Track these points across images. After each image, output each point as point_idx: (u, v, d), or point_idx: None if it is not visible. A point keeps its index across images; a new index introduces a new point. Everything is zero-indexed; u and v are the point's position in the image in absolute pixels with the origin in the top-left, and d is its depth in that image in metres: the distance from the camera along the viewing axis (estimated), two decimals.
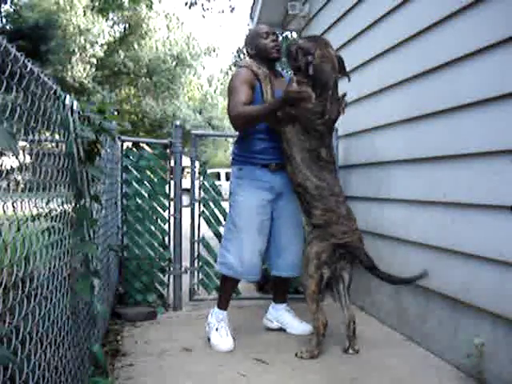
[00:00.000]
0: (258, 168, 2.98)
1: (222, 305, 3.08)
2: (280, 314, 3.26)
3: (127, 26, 25.83)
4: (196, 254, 3.93)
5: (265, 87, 2.90)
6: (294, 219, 3.11)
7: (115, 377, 2.48)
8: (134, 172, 3.84)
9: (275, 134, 2.90)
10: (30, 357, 1.44)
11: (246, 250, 2.95)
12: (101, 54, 24.12)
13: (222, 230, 3.91)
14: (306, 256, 2.78)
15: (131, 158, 3.84)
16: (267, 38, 3.04)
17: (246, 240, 2.95)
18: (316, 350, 2.75)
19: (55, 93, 1.82)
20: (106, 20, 25.27)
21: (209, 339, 2.99)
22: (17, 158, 1.43)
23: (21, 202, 1.43)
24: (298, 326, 3.20)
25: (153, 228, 3.85)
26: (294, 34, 9.65)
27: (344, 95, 2.83)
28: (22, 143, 1.51)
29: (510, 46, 2.28)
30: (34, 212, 1.59)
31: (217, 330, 2.98)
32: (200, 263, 3.92)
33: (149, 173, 3.85)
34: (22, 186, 1.52)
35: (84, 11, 22.95)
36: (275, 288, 3.34)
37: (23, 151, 1.53)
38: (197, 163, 3.92)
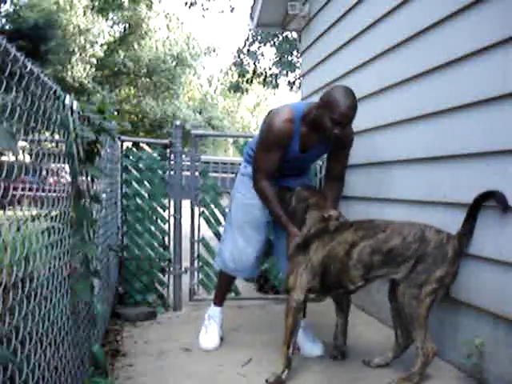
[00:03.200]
0: None
1: (217, 300, 3.12)
2: None
3: (127, 26, 25.82)
4: (196, 254, 3.93)
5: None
6: None
7: (115, 377, 2.48)
8: (134, 172, 3.84)
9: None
10: (29, 357, 1.44)
11: (238, 247, 2.93)
12: (101, 54, 24.11)
13: (222, 230, 3.92)
14: (419, 283, 2.40)
15: (131, 158, 3.84)
16: (335, 126, 2.53)
17: (238, 236, 2.94)
18: (417, 379, 2.42)
19: (55, 93, 1.82)
20: (106, 20, 25.26)
21: None
22: (17, 158, 1.43)
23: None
24: (308, 348, 2.87)
25: (153, 228, 3.85)
26: (294, 34, 9.66)
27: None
28: (22, 143, 1.51)
29: (510, 46, 2.28)
30: (34, 212, 1.59)
31: (206, 327, 3.04)
32: (200, 263, 3.92)
33: (149, 173, 3.85)
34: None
35: (84, 11, 22.94)
36: None
37: (23, 151, 1.53)
38: (197, 163, 3.92)
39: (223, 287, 3.13)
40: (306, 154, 2.78)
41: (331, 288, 2.61)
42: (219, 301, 3.12)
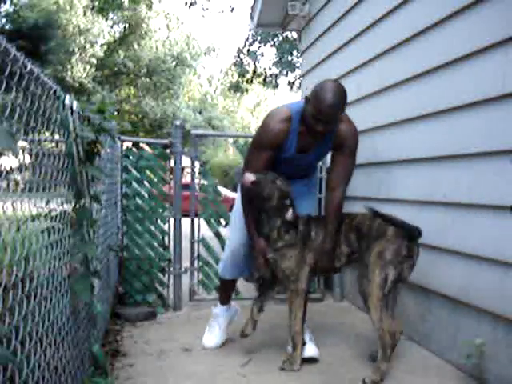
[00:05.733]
0: None
1: (221, 299, 3.09)
2: None
3: (127, 26, 25.83)
4: (196, 254, 3.93)
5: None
6: None
7: (115, 377, 2.48)
8: (134, 172, 3.84)
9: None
10: (29, 357, 1.44)
11: (230, 250, 2.89)
12: (101, 54, 24.12)
13: (222, 230, 3.93)
14: (364, 262, 2.50)
15: (131, 158, 3.84)
16: (316, 123, 2.52)
17: (232, 240, 2.90)
18: (384, 365, 2.44)
19: (55, 93, 1.82)
20: (106, 20, 25.27)
21: None
22: (17, 157, 1.43)
23: (21, 202, 1.43)
24: (303, 350, 2.73)
25: (153, 228, 3.85)
26: (294, 34, 9.66)
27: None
28: (22, 143, 1.51)
29: (510, 46, 2.28)
30: (34, 212, 1.59)
31: (209, 326, 3.05)
32: (200, 263, 3.92)
33: (149, 173, 3.86)
34: (21, 185, 1.52)
35: (84, 11, 22.96)
36: None
37: (23, 151, 1.53)
38: (197, 163, 3.92)
39: (224, 288, 3.10)
40: (308, 154, 2.74)
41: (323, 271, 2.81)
42: (223, 300, 3.09)
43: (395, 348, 2.64)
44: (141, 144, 3.93)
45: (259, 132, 2.70)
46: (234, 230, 2.91)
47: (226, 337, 3.04)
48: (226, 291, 3.10)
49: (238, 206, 2.95)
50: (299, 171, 2.87)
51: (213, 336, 3.00)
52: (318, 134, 2.57)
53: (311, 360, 2.72)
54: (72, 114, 2.01)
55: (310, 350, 2.75)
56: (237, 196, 3.00)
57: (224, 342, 3.02)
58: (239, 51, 13.02)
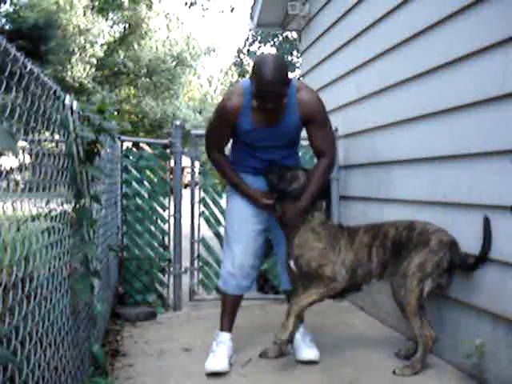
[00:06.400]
0: (250, 174, 2.75)
1: (223, 325, 2.76)
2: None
3: (127, 26, 25.84)
4: (196, 254, 3.93)
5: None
6: None
7: (115, 377, 2.48)
8: (134, 172, 3.84)
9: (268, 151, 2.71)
10: (29, 357, 1.44)
11: (238, 261, 2.71)
12: (101, 54, 24.12)
13: (222, 230, 3.93)
14: (402, 272, 2.54)
15: (131, 158, 3.84)
16: (262, 102, 2.46)
17: (237, 251, 2.72)
18: (419, 365, 2.55)
19: (55, 93, 1.82)
20: (106, 20, 25.28)
21: None
22: (17, 157, 1.43)
23: (21, 202, 1.43)
24: (303, 352, 2.72)
25: (153, 228, 3.85)
26: (294, 34, 9.67)
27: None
28: (22, 143, 1.51)
29: (510, 46, 2.28)
30: (34, 212, 1.59)
31: (213, 352, 2.65)
32: (200, 263, 3.92)
33: (149, 173, 3.86)
34: (21, 185, 1.52)
35: (84, 11, 22.96)
36: None
37: (23, 151, 1.53)
38: (197, 163, 3.92)
39: (227, 309, 2.76)
40: (273, 128, 2.61)
41: (351, 290, 2.74)
42: (225, 325, 2.75)
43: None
44: (141, 144, 3.93)
45: (214, 110, 2.72)
46: (235, 242, 2.74)
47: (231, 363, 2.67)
48: (231, 311, 2.77)
49: (231, 215, 2.80)
50: (276, 155, 2.72)
51: (218, 358, 2.60)
52: (268, 110, 2.51)
53: (311, 362, 2.72)
54: (72, 113, 2.01)
55: (311, 353, 2.72)
56: (228, 205, 2.86)
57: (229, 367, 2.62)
58: (239, 51, 13.04)
